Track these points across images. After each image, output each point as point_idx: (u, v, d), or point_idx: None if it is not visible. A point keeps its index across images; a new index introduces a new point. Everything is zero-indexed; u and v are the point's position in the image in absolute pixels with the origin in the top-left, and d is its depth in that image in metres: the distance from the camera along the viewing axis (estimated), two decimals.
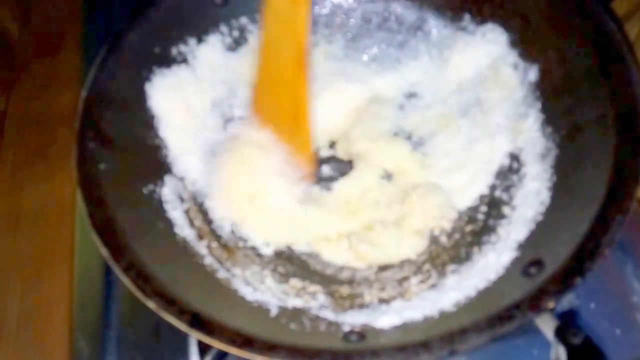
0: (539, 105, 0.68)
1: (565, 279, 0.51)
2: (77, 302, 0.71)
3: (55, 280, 0.77)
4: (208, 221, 0.68)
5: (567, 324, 0.53)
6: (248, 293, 0.60)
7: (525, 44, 0.70)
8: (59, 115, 0.93)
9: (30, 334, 0.74)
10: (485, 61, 0.71)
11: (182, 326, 0.52)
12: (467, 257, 0.63)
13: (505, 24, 0.72)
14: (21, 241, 0.82)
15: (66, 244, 0.75)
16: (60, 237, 0.79)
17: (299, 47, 0.63)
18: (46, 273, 0.78)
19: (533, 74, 0.69)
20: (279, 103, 0.67)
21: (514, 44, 0.71)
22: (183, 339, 0.67)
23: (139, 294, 0.54)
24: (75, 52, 0.98)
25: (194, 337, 0.53)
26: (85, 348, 0.67)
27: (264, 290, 0.62)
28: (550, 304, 0.50)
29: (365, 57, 0.80)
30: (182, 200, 0.67)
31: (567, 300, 0.63)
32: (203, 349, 0.64)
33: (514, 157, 0.68)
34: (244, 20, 0.77)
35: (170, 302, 0.53)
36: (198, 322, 0.52)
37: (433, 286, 0.61)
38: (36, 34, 1.04)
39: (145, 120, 0.68)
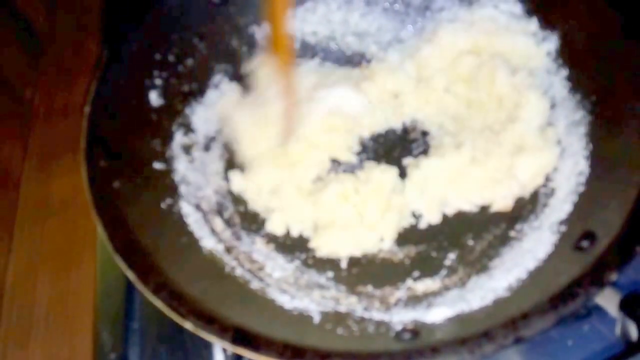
0: (564, 73, 0.65)
1: (623, 248, 0.49)
2: (101, 293, 0.69)
3: (83, 270, 0.76)
4: (232, 227, 0.65)
5: (634, 295, 0.50)
6: (286, 301, 0.57)
7: (542, 12, 0.67)
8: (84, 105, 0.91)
9: (60, 323, 0.74)
10: (502, 32, 0.68)
11: (225, 344, 0.49)
12: (512, 238, 0.60)
13: None
14: (49, 231, 0.82)
15: (93, 234, 0.74)
16: (87, 227, 0.78)
17: None
18: (74, 263, 0.78)
19: (553, 42, 0.66)
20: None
21: (530, 12, 0.68)
22: None
23: (173, 316, 0.50)
24: (99, 43, 0.97)
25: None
26: (108, 340, 0.65)
27: (302, 297, 0.58)
28: (613, 277, 0.47)
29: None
30: (202, 211, 0.64)
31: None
32: None
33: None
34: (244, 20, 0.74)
35: (209, 320, 0.50)
36: (242, 338, 0.49)
37: (480, 272, 0.58)
38: (62, 25, 1.03)
39: (153, 131, 0.65)
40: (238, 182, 0.68)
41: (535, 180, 0.63)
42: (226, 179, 0.69)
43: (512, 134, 0.64)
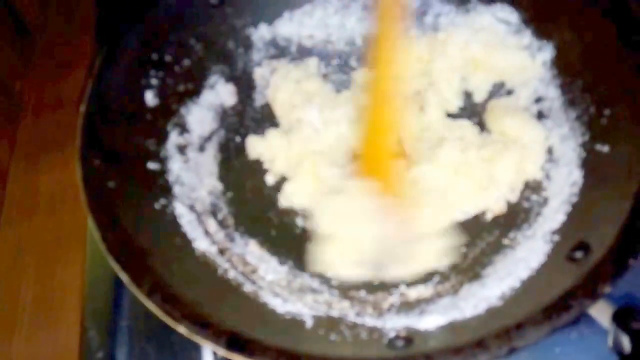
0: (558, 82, 0.66)
1: (617, 260, 0.49)
2: (88, 290, 0.68)
3: (70, 267, 0.75)
4: (225, 228, 0.64)
5: (627, 308, 0.50)
6: (278, 305, 0.57)
7: (538, 21, 0.68)
8: (74, 100, 0.88)
9: (45, 321, 0.72)
10: (497, 42, 0.69)
11: (219, 350, 0.48)
12: (505, 246, 0.61)
13: (514, 2, 0.69)
14: (36, 226, 0.80)
15: (81, 230, 0.73)
16: (75, 222, 0.77)
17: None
18: (61, 259, 0.76)
19: (548, 52, 0.67)
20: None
21: (526, 22, 0.69)
22: None
23: (167, 319, 0.50)
24: (92, 36, 0.95)
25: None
26: (95, 338, 0.65)
27: (294, 301, 0.58)
28: (606, 289, 0.48)
29: None
30: (196, 212, 0.63)
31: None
32: None
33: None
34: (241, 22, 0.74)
35: (203, 324, 0.49)
36: (236, 343, 0.48)
37: (473, 279, 0.58)
38: (53, 18, 1.01)
39: (148, 131, 0.64)
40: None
41: (518, 182, 0.64)
42: (220, 179, 0.68)
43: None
